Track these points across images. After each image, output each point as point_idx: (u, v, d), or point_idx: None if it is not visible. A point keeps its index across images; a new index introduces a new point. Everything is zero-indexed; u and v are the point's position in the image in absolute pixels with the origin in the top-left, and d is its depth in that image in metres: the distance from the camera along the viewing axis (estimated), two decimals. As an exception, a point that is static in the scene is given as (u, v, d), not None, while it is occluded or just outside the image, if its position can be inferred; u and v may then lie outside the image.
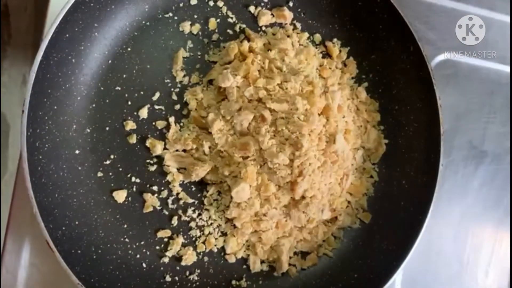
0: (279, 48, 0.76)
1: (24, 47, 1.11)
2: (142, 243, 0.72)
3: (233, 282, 0.74)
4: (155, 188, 0.73)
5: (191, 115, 0.75)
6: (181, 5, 0.77)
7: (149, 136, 0.74)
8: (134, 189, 0.73)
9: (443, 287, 0.87)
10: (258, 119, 0.71)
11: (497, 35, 0.90)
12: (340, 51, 0.80)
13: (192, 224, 0.74)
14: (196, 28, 0.77)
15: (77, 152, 0.71)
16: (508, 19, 0.93)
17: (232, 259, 0.74)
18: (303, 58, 0.76)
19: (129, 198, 0.73)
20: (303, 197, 0.71)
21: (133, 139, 0.74)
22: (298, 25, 0.80)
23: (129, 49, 0.75)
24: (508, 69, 0.92)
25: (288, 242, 0.74)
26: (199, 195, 0.75)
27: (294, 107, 0.70)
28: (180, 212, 0.74)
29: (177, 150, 0.74)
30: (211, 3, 0.78)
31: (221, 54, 0.77)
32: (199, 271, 0.73)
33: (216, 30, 0.78)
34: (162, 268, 0.72)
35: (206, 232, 0.74)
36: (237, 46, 0.75)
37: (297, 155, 0.69)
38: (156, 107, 0.75)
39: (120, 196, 0.72)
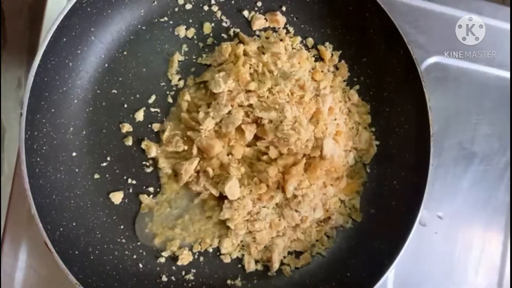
0: (272, 52, 0.77)
1: (19, 51, 1.12)
2: (139, 243, 0.73)
3: (228, 281, 0.74)
4: (151, 189, 0.74)
5: (182, 116, 0.76)
6: (176, 9, 0.78)
7: (145, 138, 0.75)
8: (131, 190, 0.74)
9: (434, 286, 0.88)
10: (247, 125, 0.73)
11: (486, 38, 0.91)
12: (332, 54, 0.82)
13: (188, 224, 0.75)
14: (191, 32, 0.79)
15: (74, 154, 0.72)
16: (496, 22, 0.95)
17: (227, 259, 0.75)
18: (295, 61, 0.78)
19: (126, 200, 0.73)
20: (295, 196, 0.72)
21: (129, 141, 0.75)
22: (291, 29, 0.82)
23: (125, 52, 0.76)
24: (496, 71, 0.94)
25: (282, 241, 0.75)
26: (194, 196, 0.76)
27: (282, 115, 0.72)
28: (176, 213, 0.75)
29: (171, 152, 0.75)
30: (206, 8, 0.79)
31: (213, 55, 0.78)
32: (194, 271, 0.74)
33: (211, 34, 0.80)
34: (158, 268, 0.73)
35: (202, 232, 0.75)
36: (231, 47, 0.77)
37: (284, 157, 0.72)
38: (152, 109, 0.76)
39: (117, 197, 0.73)
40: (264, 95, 0.73)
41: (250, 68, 0.75)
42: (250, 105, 0.73)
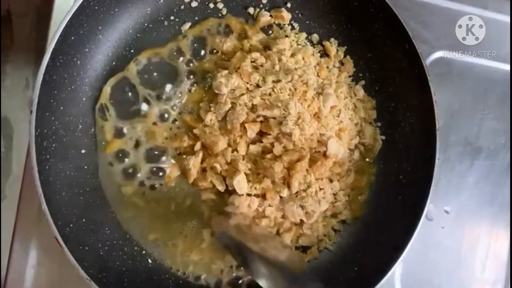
0: (277, 48, 0.78)
1: (26, 51, 1.12)
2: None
3: (236, 276, 0.75)
4: (159, 185, 0.75)
5: (183, 117, 0.76)
6: (182, 7, 0.79)
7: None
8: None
9: (441, 280, 0.88)
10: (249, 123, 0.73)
11: (491, 33, 0.92)
12: (337, 50, 0.82)
13: (196, 220, 0.75)
14: (197, 30, 0.79)
15: (83, 151, 0.72)
16: (501, 17, 0.95)
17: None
18: (300, 57, 0.78)
19: (134, 196, 0.74)
20: (300, 190, 0.73)
21: (137, 139, 0.75)
22: (296, 25, 0.82)
23: (132, 51, 0.76)
24: (501, 66, 0.94)
25: (288, 237, 0.75)
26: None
27: (286, 112, 0.72)
28: (184, 209, 0.75)
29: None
30: (211, 5, 0.80)
31: (216, 42, 0.79)
32: (203, 266, 0.74)
33: (217, 32, 0.80)
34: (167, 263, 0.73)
35: (210, 228, 0.75)
36: (236, 42, 0.78)
37: (289, 153, 0.72)
38: (159, 107, 0.77)
39: (126, 194, 0.73)
40: (267, 93, 0.73)
41: (253, 62, 0.76)
42: (254, 105, 0.74)
